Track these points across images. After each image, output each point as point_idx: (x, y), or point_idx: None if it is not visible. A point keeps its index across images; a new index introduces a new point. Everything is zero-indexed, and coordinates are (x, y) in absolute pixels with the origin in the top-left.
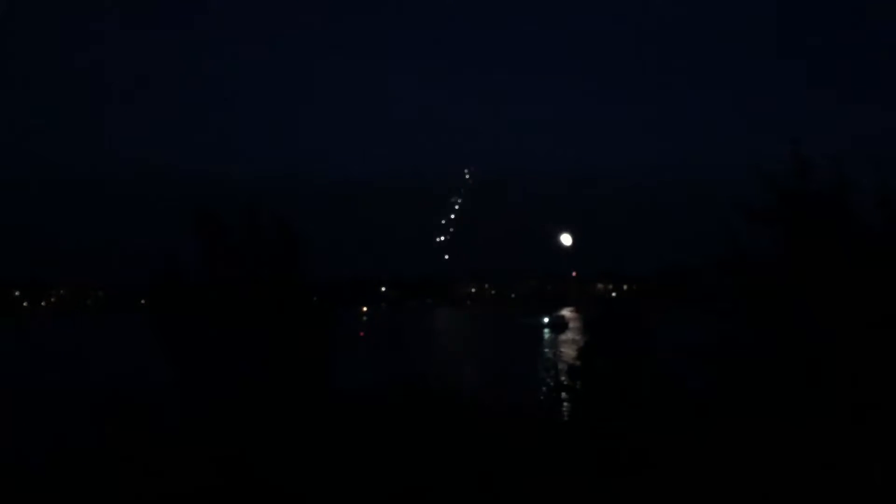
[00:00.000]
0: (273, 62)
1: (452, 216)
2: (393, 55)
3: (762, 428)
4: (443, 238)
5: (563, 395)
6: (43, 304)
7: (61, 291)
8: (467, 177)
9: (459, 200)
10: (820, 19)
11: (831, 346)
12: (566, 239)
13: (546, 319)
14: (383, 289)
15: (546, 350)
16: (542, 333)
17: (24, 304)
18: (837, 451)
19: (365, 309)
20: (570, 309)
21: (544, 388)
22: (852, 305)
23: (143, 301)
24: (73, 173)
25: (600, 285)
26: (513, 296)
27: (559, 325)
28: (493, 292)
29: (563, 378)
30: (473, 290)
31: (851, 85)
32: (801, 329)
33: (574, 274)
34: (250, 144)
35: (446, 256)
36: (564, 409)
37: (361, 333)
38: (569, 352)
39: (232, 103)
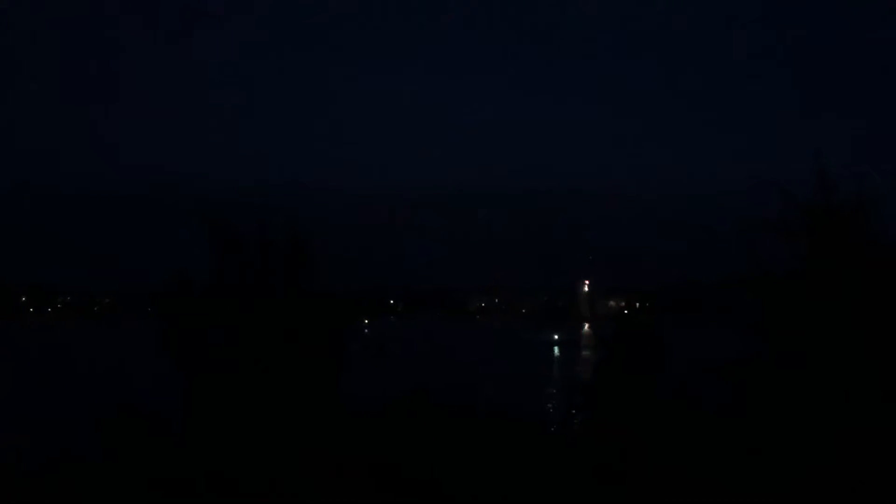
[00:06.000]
0: (286, 70)
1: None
2: (409, 62)
3: (787, 444)
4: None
5: (575, 411)
6: (49, 309)
7: (68, 297)
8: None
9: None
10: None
11: (858, 361)
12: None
13: (556, 336)
14: (392, 301)
15: (555, 368)
16: (551, 350)
17: (31, 309)
18: (866, 470)
19: (367, 321)
20: (582, 325)
21: (551, 406)
22: (879, 320)
23: (149, 309)
24: (81, 178)
25: (612, 302)
26: (523, 311)
27: (571, 343)
28: (503, 307)
29: (574, 395)
30: (483, 304)
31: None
32: (827, 344)
33: (586, 289)
34: (263, 152)
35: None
36: (575, 425)
37: None
38: (582, 370)
39: (245, 110)
